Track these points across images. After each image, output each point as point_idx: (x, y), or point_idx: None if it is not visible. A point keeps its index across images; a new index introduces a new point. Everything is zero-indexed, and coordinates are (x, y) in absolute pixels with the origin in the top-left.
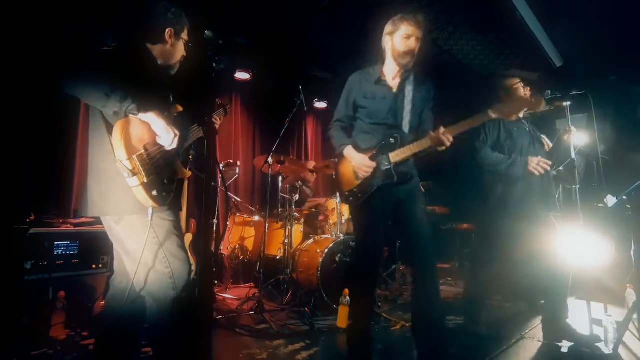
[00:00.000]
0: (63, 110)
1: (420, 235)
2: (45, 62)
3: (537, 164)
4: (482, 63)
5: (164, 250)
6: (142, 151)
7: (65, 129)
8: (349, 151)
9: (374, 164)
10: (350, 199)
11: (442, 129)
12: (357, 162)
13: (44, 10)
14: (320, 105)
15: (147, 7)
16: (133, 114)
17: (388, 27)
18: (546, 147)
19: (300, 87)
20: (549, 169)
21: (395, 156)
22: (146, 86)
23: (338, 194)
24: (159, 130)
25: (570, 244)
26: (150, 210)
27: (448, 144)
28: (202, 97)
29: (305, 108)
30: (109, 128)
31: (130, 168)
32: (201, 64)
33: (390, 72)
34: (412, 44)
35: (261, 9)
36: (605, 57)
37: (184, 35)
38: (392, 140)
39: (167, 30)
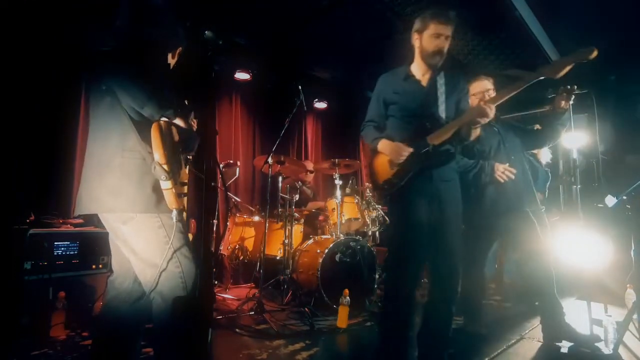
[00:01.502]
0: (63, 110)
1: (448, 242)
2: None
3: (503, 172)
4: (482, 63)
5: (175, 250)
6: (172, 154)
7: (65, 129)
8: (382, 143)
9: (410, 148)
10: (386, 187)
11: (482, 100)
12: (391, 150)
13: (44, 10)
14: (320, 105)
15: (166, 16)
16: (169, 118)
17: (417, 24)
18: (537, 126)
19: (300, 87)
20: (512, 177)
21: (433, 138)
22: (165, 89)
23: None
24: (184, 134)
25: (567, 243)
26: (175, 212)
27: (491, 114)
28: (201, 97)
29: (305, 108)
30: (137, 125)
31: (168, 171)
32: (201, 64)
33: (419, 70)
34: (442, 43)
35: (261, 9)
36: (605, 57)
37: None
38: (427, 124)
39: (180, 48)
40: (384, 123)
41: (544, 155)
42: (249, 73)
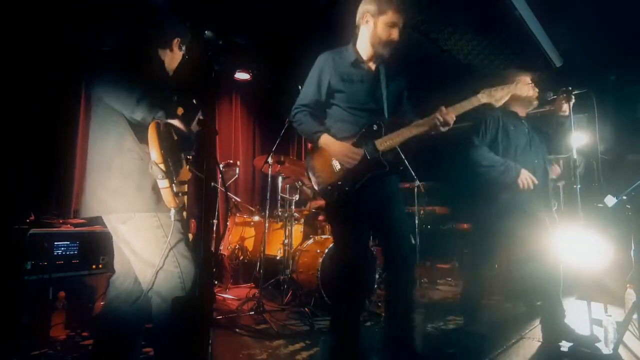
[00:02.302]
0: (63, 110)
1: (403, 237)
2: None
3: (526, 179)
4: (482, 63)
5: (173, 250)
6: (170, 153)
7: (65, 129)
8: (327, 139)
9: (360, 151)
10: (336, 193)
11: (443, 109)
12: (338, 151)
13: (44, 10)
14: None
15: (158, 14)
16: (161, 120)
17: (370, 5)
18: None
19: (300, 87)
20: (532, 187)
21: (383, 143)
22: (160, 89)
23: (310, 189)
24: (181, 134)
25: (567, 243)
26: (172, 211)
27: (451, 123)
28: (201, 97)
29: None
30: (136, 126)
31: (165, 170)
32: (201, 64)
33: (366, 55)
34: (396, 34)
35: (261, 9)
36: (605, 57)
37: (184, 48)
38: (374, 127)
39: (175, 39)
40: (322, 111)
41: None
42: (249, 73)
